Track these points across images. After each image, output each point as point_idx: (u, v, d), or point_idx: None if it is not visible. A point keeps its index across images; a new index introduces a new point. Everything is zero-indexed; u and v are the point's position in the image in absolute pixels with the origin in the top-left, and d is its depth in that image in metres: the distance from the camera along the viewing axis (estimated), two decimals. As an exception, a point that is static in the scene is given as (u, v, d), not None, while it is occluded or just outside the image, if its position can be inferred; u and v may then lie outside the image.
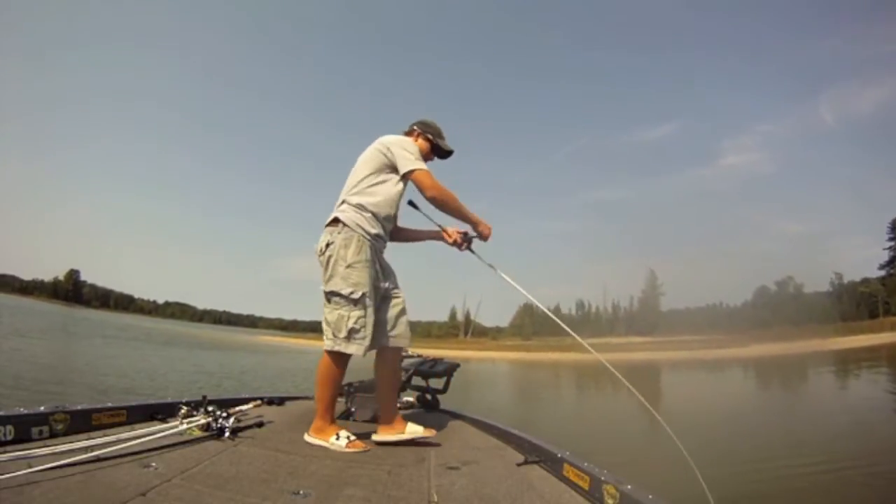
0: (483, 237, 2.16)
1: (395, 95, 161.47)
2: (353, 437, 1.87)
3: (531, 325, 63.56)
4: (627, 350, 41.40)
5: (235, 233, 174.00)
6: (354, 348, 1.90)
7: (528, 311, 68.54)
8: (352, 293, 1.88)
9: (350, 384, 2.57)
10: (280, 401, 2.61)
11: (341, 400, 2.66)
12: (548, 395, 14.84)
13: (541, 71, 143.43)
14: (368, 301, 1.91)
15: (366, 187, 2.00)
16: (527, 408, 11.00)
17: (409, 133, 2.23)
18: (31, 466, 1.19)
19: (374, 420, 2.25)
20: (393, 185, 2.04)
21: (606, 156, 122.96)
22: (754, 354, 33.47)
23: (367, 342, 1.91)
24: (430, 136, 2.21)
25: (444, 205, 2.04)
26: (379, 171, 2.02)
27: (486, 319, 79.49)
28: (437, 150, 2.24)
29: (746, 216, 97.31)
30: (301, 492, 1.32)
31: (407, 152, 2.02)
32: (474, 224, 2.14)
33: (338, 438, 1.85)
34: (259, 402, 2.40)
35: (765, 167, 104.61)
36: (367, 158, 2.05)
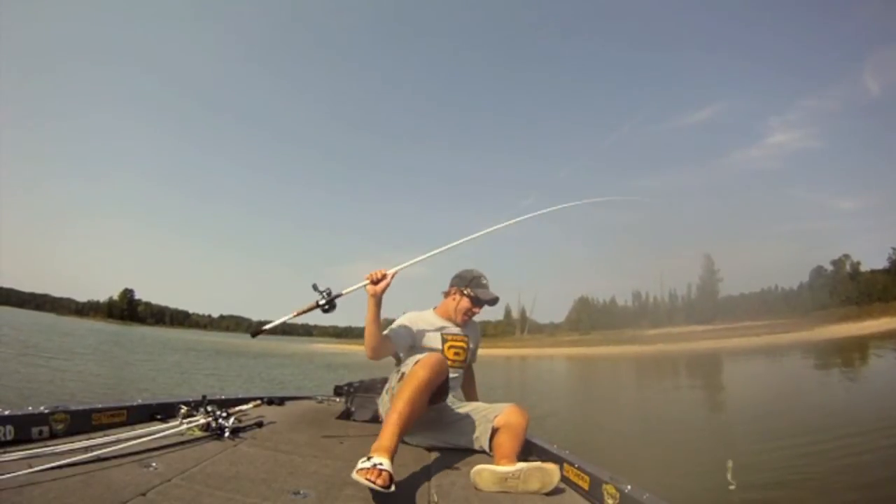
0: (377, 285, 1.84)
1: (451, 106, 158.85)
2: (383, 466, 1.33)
3: (588, 319, 62.89)
4: (691, 339, 40.54)
5: (283, 242, 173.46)
6: None
7: (583, 305, 68.08)
8: None
9: (350, 384, 2.58)
10: (280, 401, 2.61)
11: (342, 399, 2.67)
12: (617, 400, 12.30)
13: (574, 67, 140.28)
14: None
15: None
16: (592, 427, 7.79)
17: (447, 293, 2.21)
18: (31, 466, 1.20)
19: (374, 420, 2.23)
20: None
21: (649, 144, 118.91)
22: (824, 337, 32.09)
23: None
24: (466, 291, 2.13)
25: (373, 349, 1.89)
26: None
27: (540, 317, 75.99)
28: (479, 301, 2.15)
29: (797, 195, 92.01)
30: (301, 492, 1.31)
31: None
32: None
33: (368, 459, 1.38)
34: (259, 402, 2.41)
35: (813, 143, 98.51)
36: None
